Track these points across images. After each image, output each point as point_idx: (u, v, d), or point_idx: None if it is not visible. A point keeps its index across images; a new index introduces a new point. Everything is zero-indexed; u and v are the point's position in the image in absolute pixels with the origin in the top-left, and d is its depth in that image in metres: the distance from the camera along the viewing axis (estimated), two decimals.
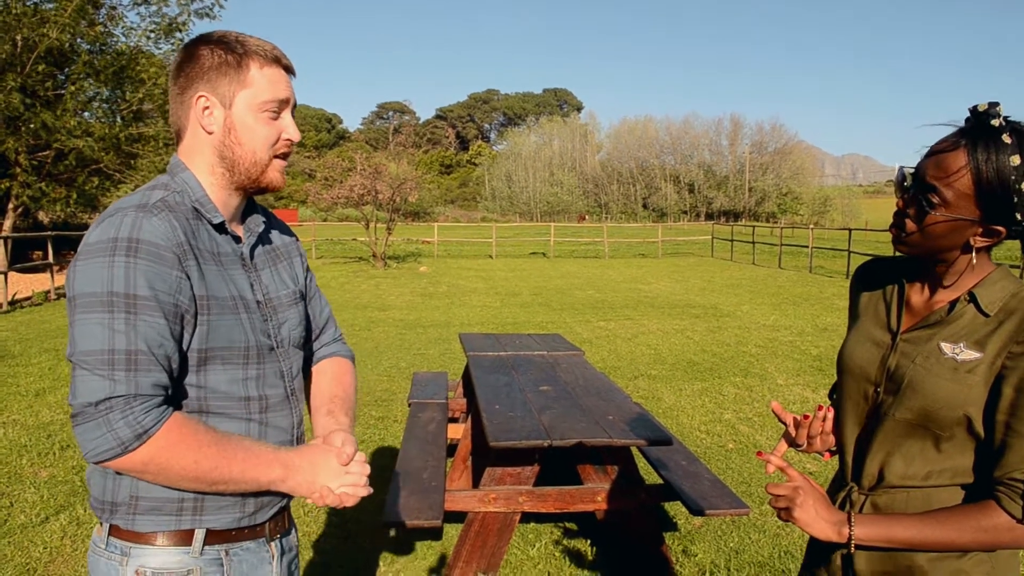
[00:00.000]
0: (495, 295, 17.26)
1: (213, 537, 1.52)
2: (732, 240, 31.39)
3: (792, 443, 1.70)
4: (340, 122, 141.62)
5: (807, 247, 25.74)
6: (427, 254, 31.89)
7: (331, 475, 1.54)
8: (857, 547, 1.48)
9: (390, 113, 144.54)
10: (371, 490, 1.58)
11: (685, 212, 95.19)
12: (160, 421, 1.36)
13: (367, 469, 1.59)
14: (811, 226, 29.64)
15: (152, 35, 23.37)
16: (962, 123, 1.43)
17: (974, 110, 1.41)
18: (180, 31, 23.66)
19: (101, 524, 1.53)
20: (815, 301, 15.96)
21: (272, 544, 1.65)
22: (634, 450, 4.42)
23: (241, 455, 1.45)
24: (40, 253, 22.83)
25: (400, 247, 33.82)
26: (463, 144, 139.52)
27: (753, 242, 29.13)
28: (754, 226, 32.60)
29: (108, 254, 1.36)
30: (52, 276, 16.25)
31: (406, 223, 37.04)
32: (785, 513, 1.51)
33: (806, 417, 1.61)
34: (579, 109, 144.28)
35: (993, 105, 1.39)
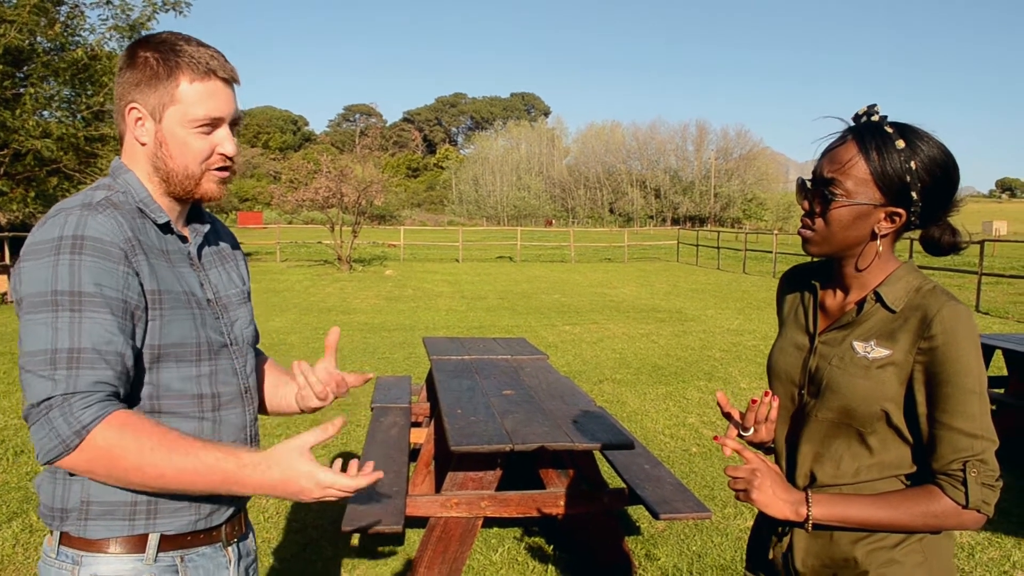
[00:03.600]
0: (461, 299, 17.24)
1: (167, 543, 1.49)
2: (697, 245, 31.66)
3: (739, 428, 1.73)
4: (306, 124, 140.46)
5: (771, 252, 26.03)
6: (393, 257, 31.76)
7: (301, 469, 1.40)
8: (815, 526, 1.52)
9: (356, 115, 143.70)
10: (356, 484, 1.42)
11: (651, 217, 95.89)
12: (99, 416, 1.32)
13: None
14: (775, 232, 29.97)
15: (114, 34, 23.04)
16: (848, 118, 1.56)
17: (856, 115, 1.54)
18: (144, 30, 23.35)
19: (51, 532, 1.49)
20: (775, 300, 16.10)
21: (229, 549, 1.61)
22: (597, 454, 4.41)
23: (189, 446, 1.38)
24: None
25: (366, 250, 33.64)
26: (430, 147, 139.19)
27: (718, 247, 29.40)
28: (719, 231, 32.94)
29: (53, 253, 1.35)
30: (9, 278, 15.94)
31: (372, 226, 36.86)
32: (743, 495, 1.54)
33: (754, 401, 1.65)
34: (546, 114, 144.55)
35: (871, 106, 1.53)
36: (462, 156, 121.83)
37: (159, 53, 1.47)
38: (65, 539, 1.46)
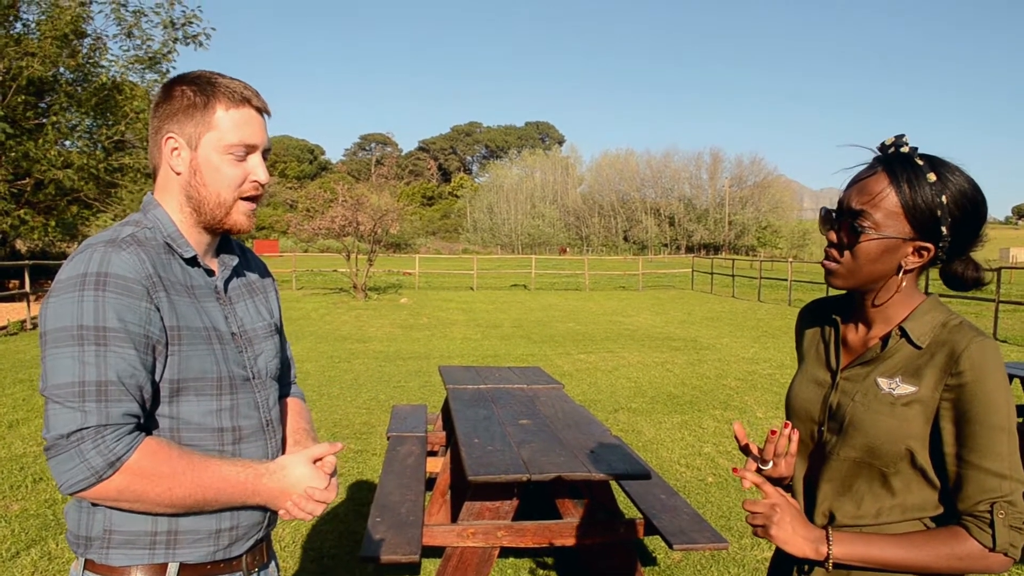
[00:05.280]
0: (476, 327, 17.25)
1: (187, 571, 1.52)
2: (712, 273, 31.60)
3: (758, 461, 1.70)
4: (322, 153, 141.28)
5: (786, 280, 25.94)
6: (408, 286, 31.84)
7: (303, 479, 1.55)
8: (835, 565, 1.48)
9: (372, 144, 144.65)
10: (334, 494, 1.60)
11: (665, 245, 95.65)
12: (132, 447, 1.37)
13: (330, 471, 1.61)
14: (790, 259, 29.89)
15: (136, 66, 23.40)
16: (874, 147, 1.53)
17: (882, 145, 1.51)
18: (164, 62, 23.70)
19: (77, 558, 1.53)
20: (794, 334, 16.00)
21: None
22: (613, 484, 4.41)
23: (211, 464, 1.46)
24: (16, 282, 22.62)
25: (381, 278, 33.76)
26: (445, 176, 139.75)
27: (733, 275, 29.30)
28: (734, 259, 32.81)
29: (78, 289, 1.39)
30: (28, 305, 16.08)
31: (387, 254, 36.93)
32: (762, 530, 1.50)
33: (773, 432, 1.61)
34: (561, 142, 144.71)
35: (899, 136, 1.49)
36: (477, 185, 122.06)
37: (196, 86, 1.54)
38: (89, 565, 1.50)
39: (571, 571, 4.37)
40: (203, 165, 1.54)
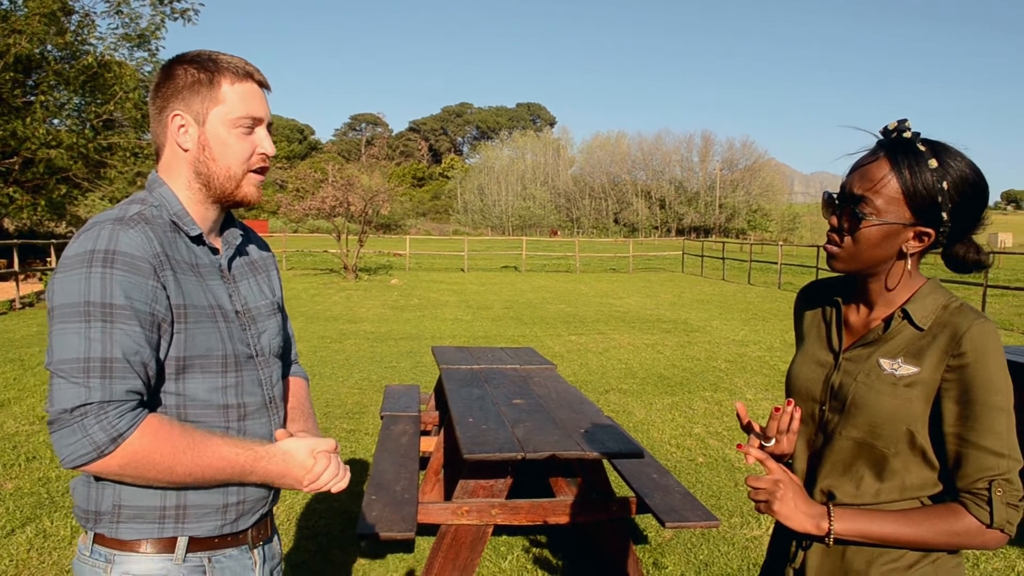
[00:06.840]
0: (467, 308, 17.28)
1: (195, 545, 1.55)
2: (702, 256, 31.66)
3: (760, 438, 1.71)
4: (312, 133, 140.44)
5: (776, 263, 26.06)
6: (398, 267, 31.82)
7: (303, 462, 1.58)
8: (836, 540, 1.51)
9: (363, 125, 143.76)
10: (346, 480, 1.65)
11: (656, 228, 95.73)
12: (134, 424, 1.39)
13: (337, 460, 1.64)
14: (780, 243, 29.98)
15: (124, 43, 23.22)
16: (876, 132, 1.54)
17: (885, 129, 1.52)
18: (153, 39, 23.53)
19: (86, 532, 1.55)
20: (784, 317, 16.13)
21: (255, 551, 1.67)
22: (606, 463, 4.45)
23: (212, 443, 1.48)
24: (4, 261, 22.49)
25: (371, 259, 33.71)
26: (436, 157, 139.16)
27: (723, 258, 29.34)
28: (724, 242, 32.87)
29: (85, 265, 1.40)
30: (17, 284, 16.02)
31: (378, 235, 36.88)
32: (764, 506, 1.52)
33: (776, 410, 1.63)
34: (552, 124, 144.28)
35: (902, 121, 1.50)
36: (467, 166, 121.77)
37: (197, 63, 1.56)
38: (99, 539, 1.53)
39: (564, 549, 4.43)
40: (212, 140, 1.56)
